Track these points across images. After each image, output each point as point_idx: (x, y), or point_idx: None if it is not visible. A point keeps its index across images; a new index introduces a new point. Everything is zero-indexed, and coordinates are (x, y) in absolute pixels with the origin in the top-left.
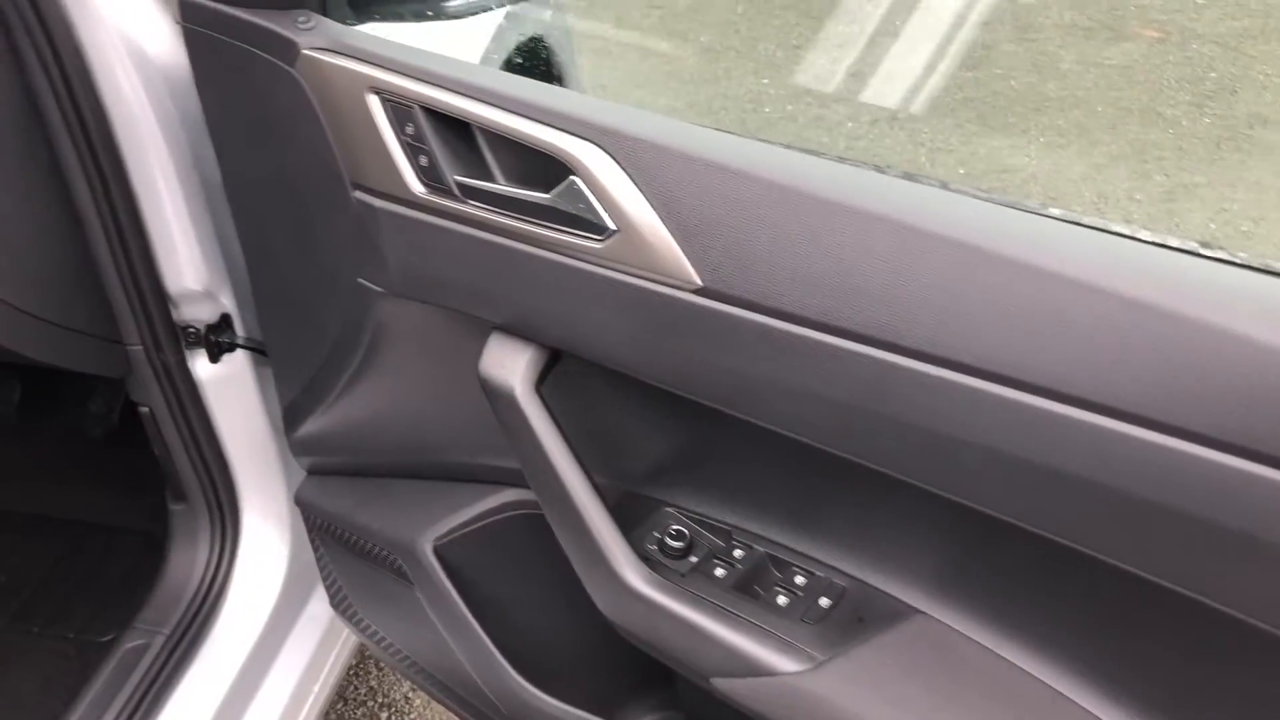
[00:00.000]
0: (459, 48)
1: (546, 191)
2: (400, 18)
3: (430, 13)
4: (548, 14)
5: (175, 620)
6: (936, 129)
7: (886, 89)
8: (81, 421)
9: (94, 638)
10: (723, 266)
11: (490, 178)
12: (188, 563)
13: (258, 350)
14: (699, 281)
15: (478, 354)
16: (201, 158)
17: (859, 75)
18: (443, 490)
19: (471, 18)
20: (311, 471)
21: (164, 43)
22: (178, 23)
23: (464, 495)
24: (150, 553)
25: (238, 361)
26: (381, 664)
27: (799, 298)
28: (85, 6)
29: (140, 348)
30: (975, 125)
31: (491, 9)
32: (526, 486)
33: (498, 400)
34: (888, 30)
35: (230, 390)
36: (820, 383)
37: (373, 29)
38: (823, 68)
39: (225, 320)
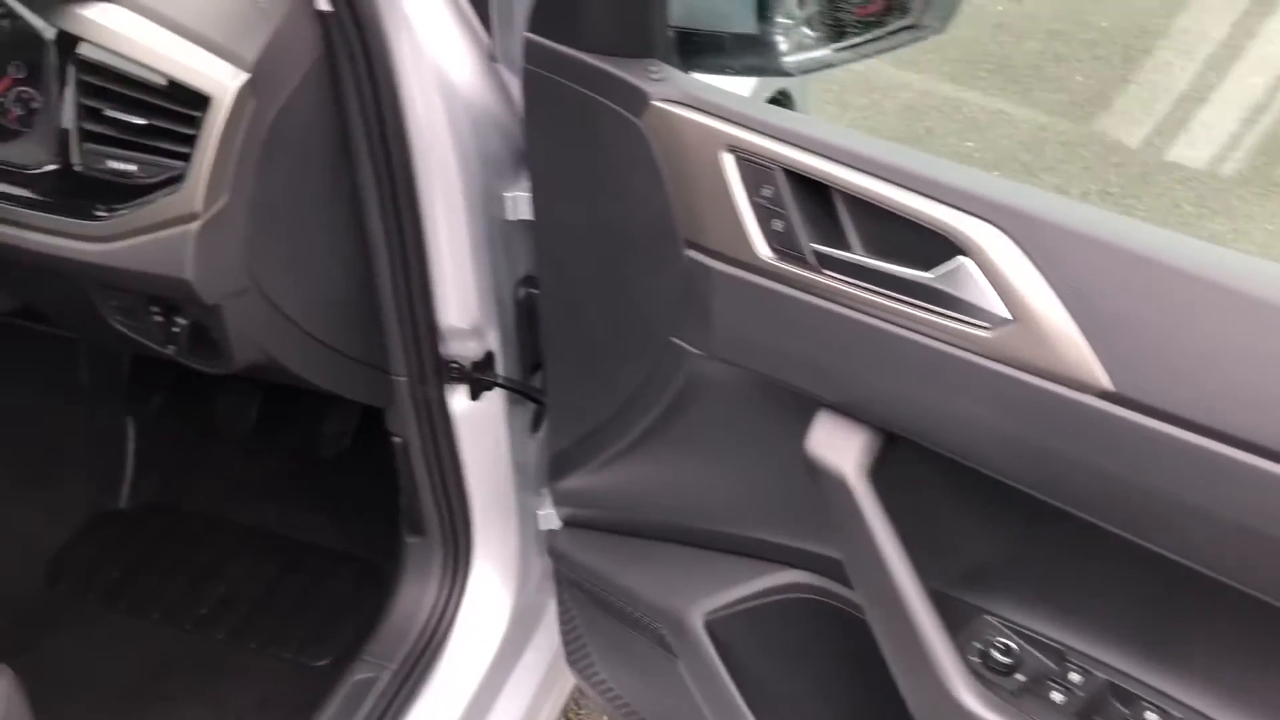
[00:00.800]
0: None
1: (919, 269)
2: (730, 71)
3: (766, 68)
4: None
5: (403, 655)
6: None
7: None
8: (314, 441)
9: (311, 661)
10: (1140, 371)
11: (847, 248)
12: (417, 597)
13: (518, 391)
14: (1108, 385)
15: (791, 427)
16: (491, 196)
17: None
18: (716, 561)
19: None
20: (568, 523)
21: (471, 78)
22: (492, 60)
23: (741, 570)
24: (367, 580)
25: (494, 400)
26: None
27: (1239, 416)
28: (407, 40)
29: (405, 379)
30: None
31: (834, 66)
32: (815, 569)
33: (825, 483)
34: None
35: (483, 429)
36: (1254, 516)
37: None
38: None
39: (489, 358)
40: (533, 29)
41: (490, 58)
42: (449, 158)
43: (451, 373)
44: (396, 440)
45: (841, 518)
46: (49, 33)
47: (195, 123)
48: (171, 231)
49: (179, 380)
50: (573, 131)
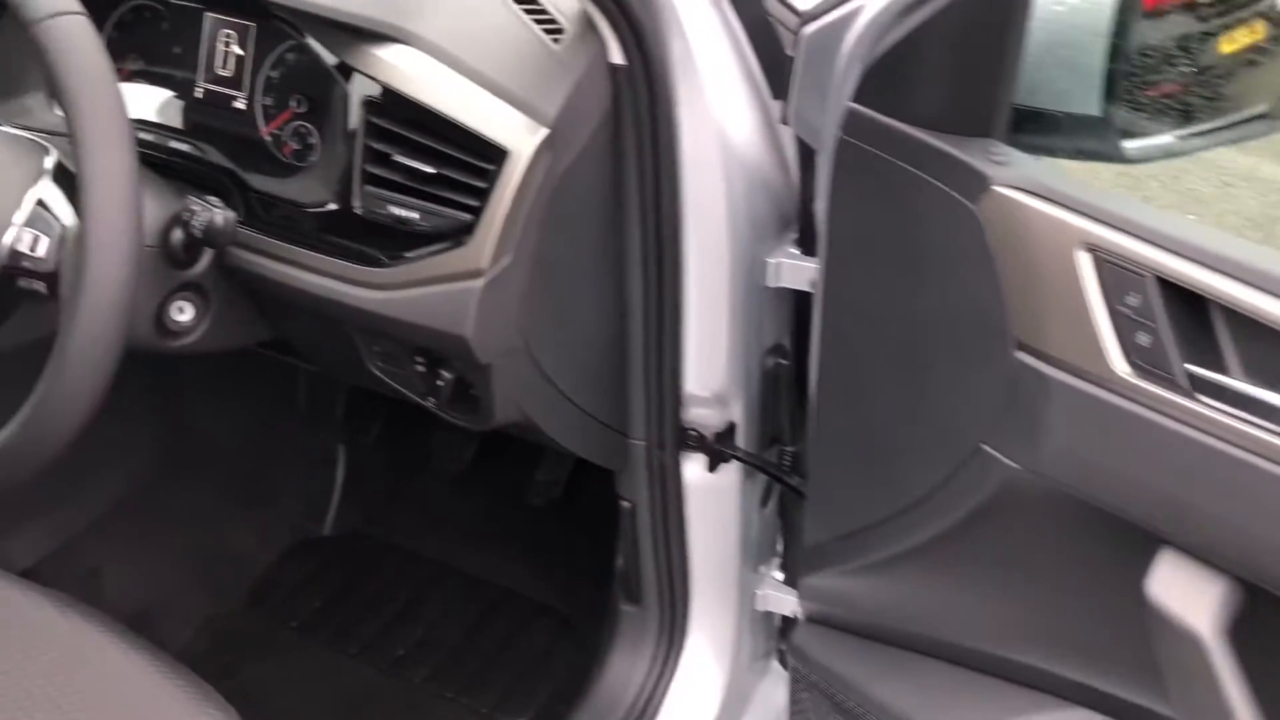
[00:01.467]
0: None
1: None
2: (1058, 154)
3: (1102, 153)
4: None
5: None
6: None
7: None
8: (524, 487)
9: (509, 718)
10: None
11: (1226, 372)
12: (628, 668)
13: (767, 473)
14: None
15: (1114, 558)
16: (754, 261)
17: None
18: (990, 687)
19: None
20: (811, 619)
21: (749, 137)
22: (782, 123)
23: (1021, 701)
24: (564, 636)
25: (729, 473)
26: None
27: None
28: (695, 97)
29: (643, 444)
30: None
31: (1181, 155)
32: (1110, 712)
33: (1167, 634)
34: None
35: (715, 500)
36: None
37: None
38: None
39: (730, 429)
40: (858, 98)
41: (780, 121)
42: (719, 220)
43: (690, 441)
44: (625, 505)
45: (1186, 677)
46: (338, 71)
47: (487, 176)
48: (454, 286)
49: (395, 412)
50: (890, 210)
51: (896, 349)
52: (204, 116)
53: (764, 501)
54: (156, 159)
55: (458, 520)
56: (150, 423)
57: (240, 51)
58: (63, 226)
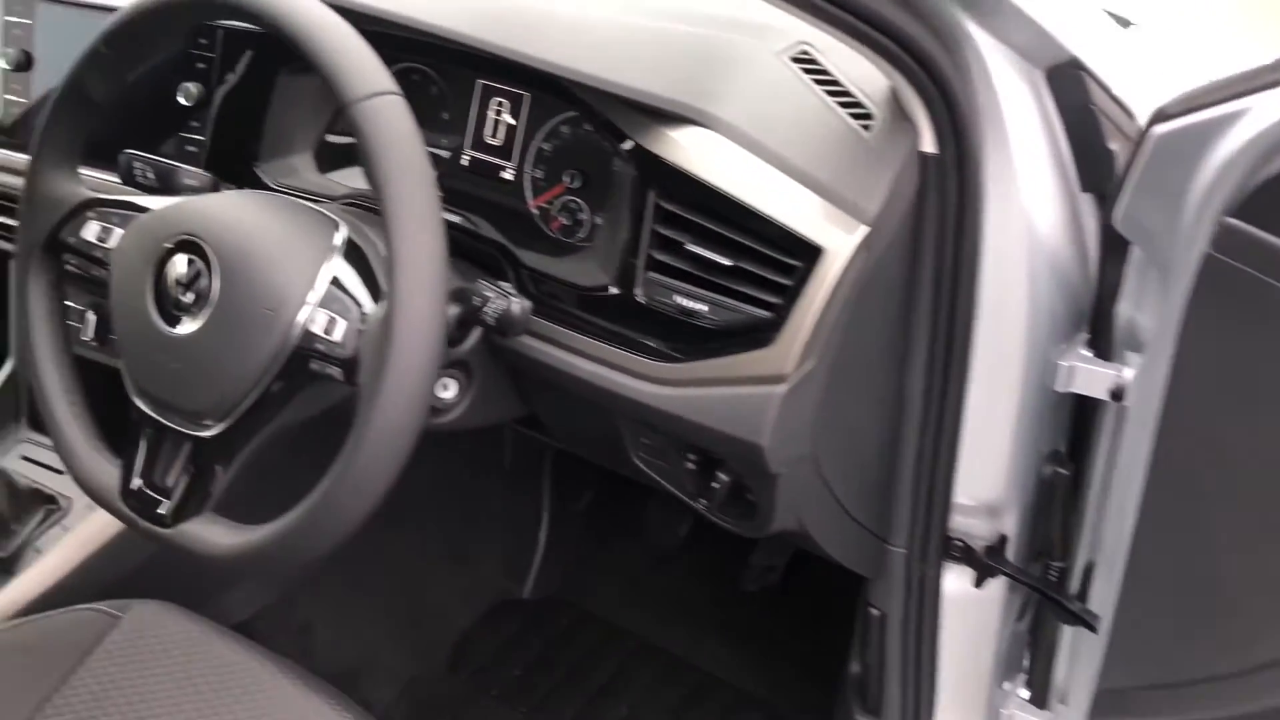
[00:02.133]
0: None
1: None
2: None
3: None
4: None
5: None
6: None
7: None
8: (739, 570)
9: None
10: None
11: None
12: None
13: (1039, 591)
14: None
15: None
16: (1046, 362)
17: None
18: None
19: None
20: None
21: (1053, 230)
22: (1108, 227)
23: None
24: None
25: (994, 587)
26: None
27: None
28: (1005, 187)
29: (903, 552)
30: None
31: None
32: None
33: None
34: None
35: (974, 615)
36: None
37: None
38: None
39: (1002, 542)
40: (1241, 215)
41: (1107, 223)
42: (1017, 317)
43: (954, 552)
44: (874, 612)
45: None
46: (623, 149)
47: (794, 273)
48: (752, 390)
49: (608, 481)
50: (1270, 339)
51: (1255, 492)
52: (470, 185)
53: (1019, 615)
54: None
55: (663, 596)
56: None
57: (512, 121)
58: (360, 310)
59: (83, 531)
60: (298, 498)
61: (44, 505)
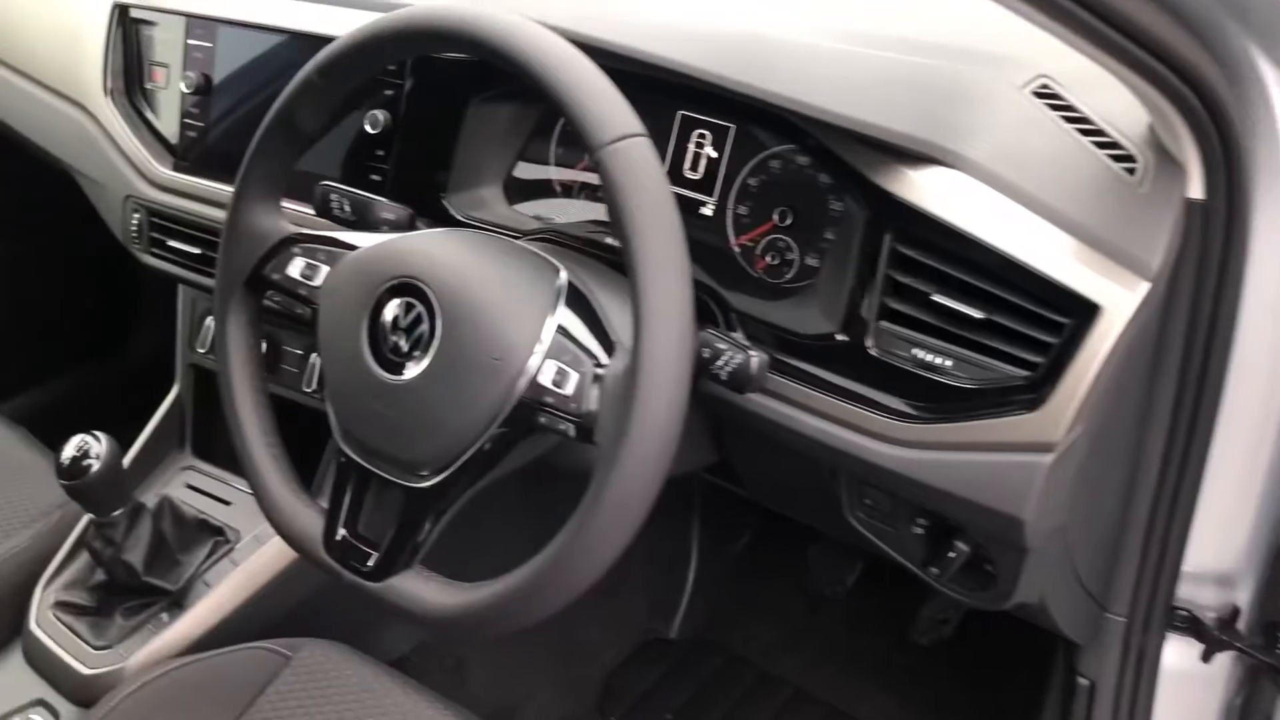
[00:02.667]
0: None
1: None
2: None
3: None
4: None
5: None
6: None
7: None
8: (908, 623)
9: None
10: None
11: None
12: None
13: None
14: None
15: None
16: None
17: None
18: None
19: None
20: None
21: None
22: None
23: None
24: None
25: (1219, 663)
26: None
27: None
28: (1274, 235)
29: (1123, 620)
30: None
31: None
32: None
33: None
34: None
35: (1196, 692)
36: None
37: None
38: None
39: (1234, 614)
40: None
41: None
42: (1270, 375)
43: (1179, 623)
44: (1081, 681)
45: None
46: (846, 187)
47: (1061, 330)
48: (1014, 459)
49: (769, 522)
50: None
51: None
52: None
53: (1238, 691)
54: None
55: (823, 643)
56: (514, 508)
57: (714, 154)
58: (594, 363)
59: (251, 566)
60: (485, 548)
61: (212, 537)
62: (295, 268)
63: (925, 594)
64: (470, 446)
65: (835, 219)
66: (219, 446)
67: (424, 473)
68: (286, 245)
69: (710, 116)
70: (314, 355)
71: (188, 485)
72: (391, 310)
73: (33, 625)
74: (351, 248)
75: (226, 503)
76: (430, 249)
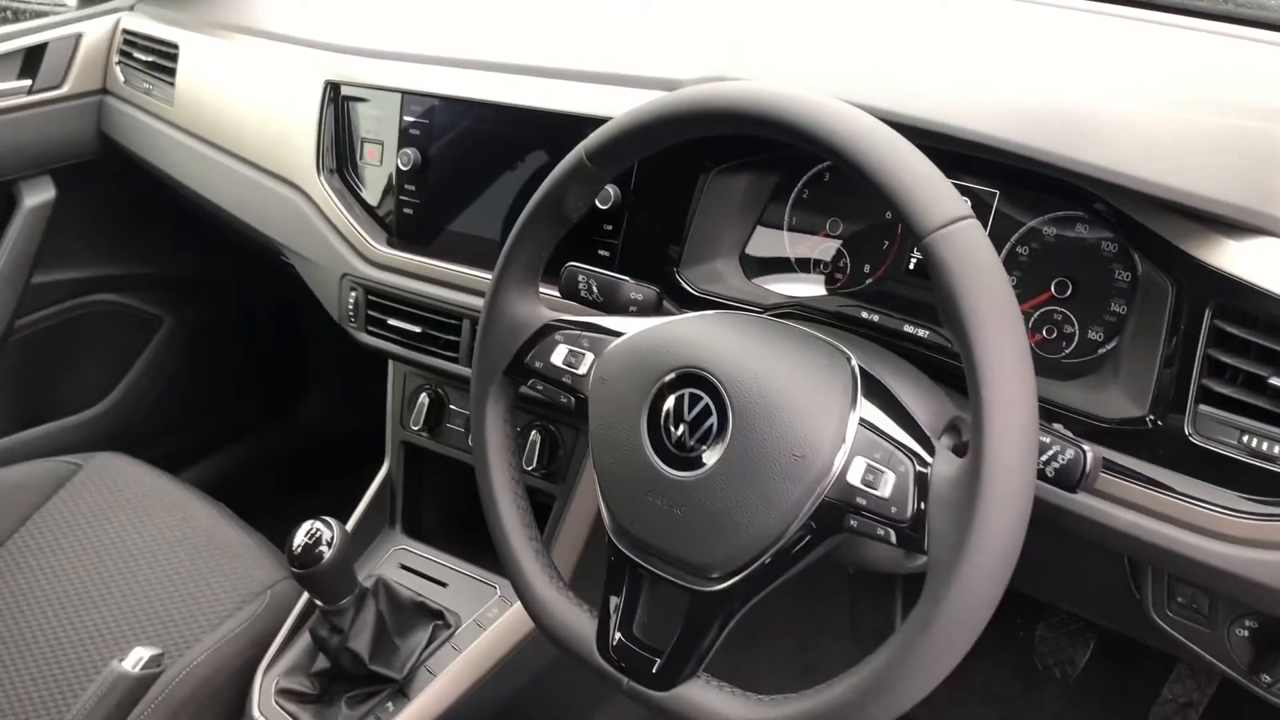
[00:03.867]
0: None
1: None
2: None
3: None
4: None
5: None
6: None
7: None
8: (1149, 701)
9: None
10: None
11: None
12: None
13: None
14: None
15: None
16: None
17: None
18: None
19: None
20: None
21: None
22: None
23: None
24: None
25: None
26: None
27: None
28: None
29: None
30: None
31: None
32: None
33: None
34: None
35: None
36: None
37: None
38: None
39: None
40: None
41: None
42: None
43: None
44: None
45: None
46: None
47: None
48: None
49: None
50: None
51: None
52: (915, 290)
53: None
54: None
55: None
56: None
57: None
58: (913, 461)
59: (474, 653)
60: (742, 645)
61: (431, 621)
62: (558, 355)
63: (1166, 674)
64: (767, 549)
65: (1123, 290)
66: (428, 525)
67: (714, 575)
68: (547, 332)
69: (972, 182)
70: (533, 433)
71: (401, 565)
72: (673, 402)
73: (256, 714)
74: (615, 334)
75: (442, 584)
76: (711, 337)
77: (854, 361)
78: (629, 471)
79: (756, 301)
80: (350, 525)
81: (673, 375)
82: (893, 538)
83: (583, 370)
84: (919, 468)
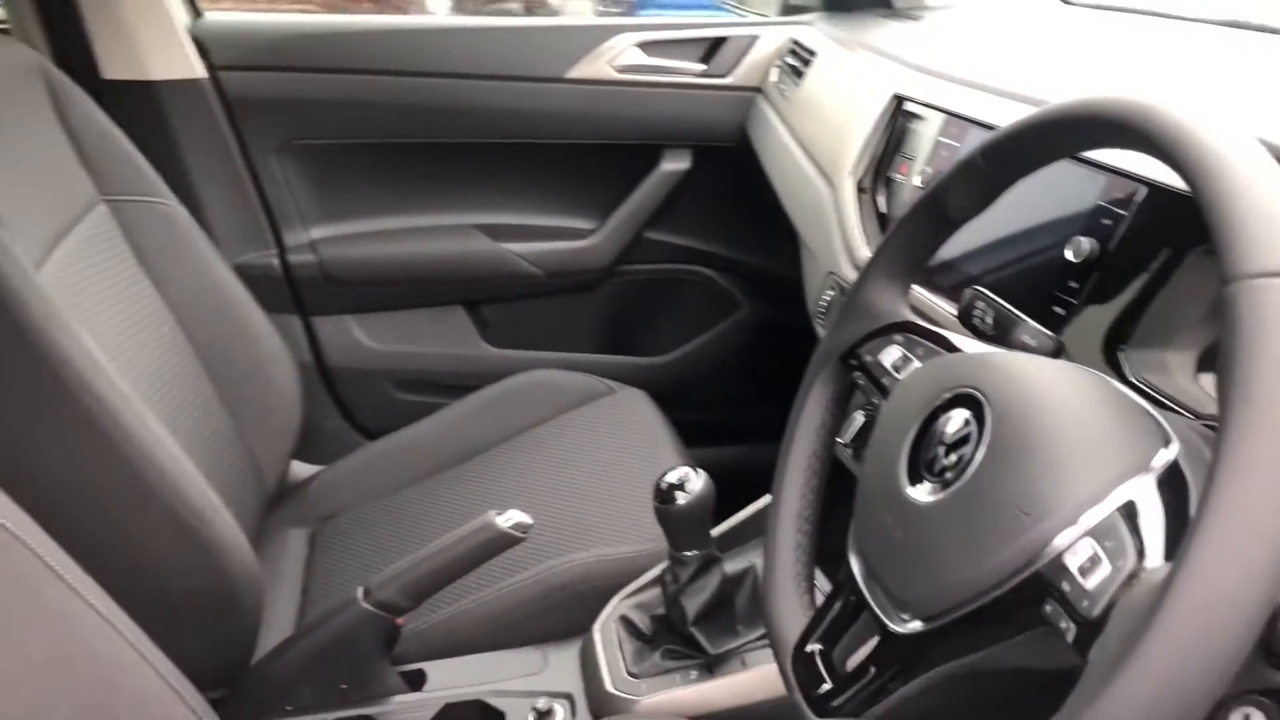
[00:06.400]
0: None
1: None
2: None
3: None
4: None
5: None
6: None
7: None
8: None
9: None
10: None
11: None
12: None
13: None
14: None
15: None
16: None
17: None
18: None
19: None
20: None
21: None
22: None
23: None
24: None
25: None
26: None
27: None
28: None
29: None
30: None
31: None
32: None
33: None
34: None
35: None
36: None
37: None
38: None
39: None
40: None
41: None
42: None
43: None
44: None
45: None
46: None
47: None
48: None
49: None
50: None
51: None
52: None
53: None
54: None
55: None
56: None
57: None
58: (1140, 561)
59: None
60: None
61: None
62: (889, 356)
63: None
64: (961, 605)
65: None
66: (829, 545)
67: (905, 615)
68: (893, 330)
69: None
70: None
71: None
72: (947, 422)
73: (596, 627)
74: (955, 351)
75: None
76: (1015, 368)
77: (1173, 448)
78: (877, 482)
79: (1192, 406)
80: (748, 512)
81: (950, 394)
82: (1071, 635)
83: (903, 377)
84: (1139, 565)
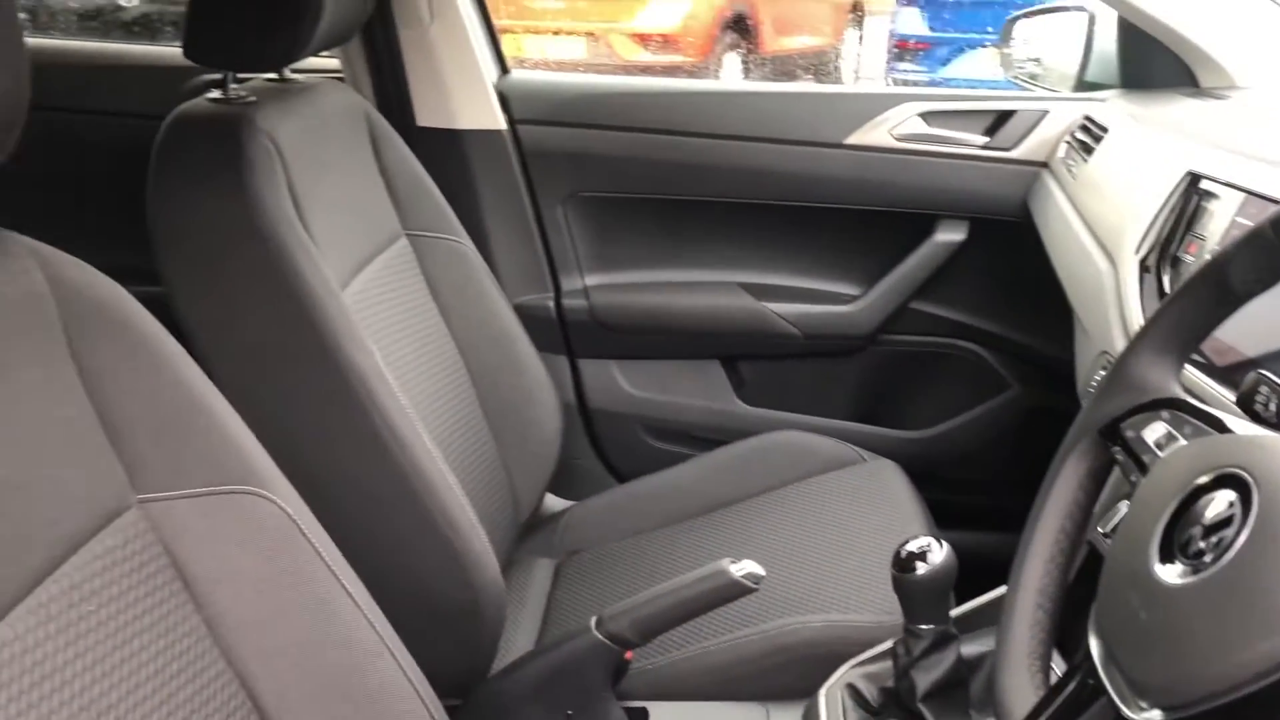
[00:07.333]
0: None
1: None
2: None
3: None
4: None
5: None
6: None
7: None
8: None
9: None
10: None
11: None
12: None
13: None
14: None
15: None
16: None
17: None
18: None
19: None
20: None
21: None
22: None
23: None
24: None
25: None
26: None
27: None
28: None
29: None
30: None
31: None
32: None
33: None
34: None
35: None
36: None
37: None
38: None
39: None
40: None
41: None
42: None
43: None
44: None
45: None
46: None
47: None
48: None
49: None
50: None
51: None
52: None
53: None
54: None
55: None
56: None
57: None
58: None
59: None
60: None
61: None
62: (1154, 433)
63: None
64: (1212, 695)
65: None
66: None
67: (1144, 703)
68: (1160, 405)
69: None
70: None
71: None
72: (1210, 503)
73: (822, 692)
74: (1226, 432)
75: None
76: None
77: None
78: (1125, 559)
79: None
80: (985, 599)
81: (1216, 474)
82: None
83: (1166, 454)
84: None
